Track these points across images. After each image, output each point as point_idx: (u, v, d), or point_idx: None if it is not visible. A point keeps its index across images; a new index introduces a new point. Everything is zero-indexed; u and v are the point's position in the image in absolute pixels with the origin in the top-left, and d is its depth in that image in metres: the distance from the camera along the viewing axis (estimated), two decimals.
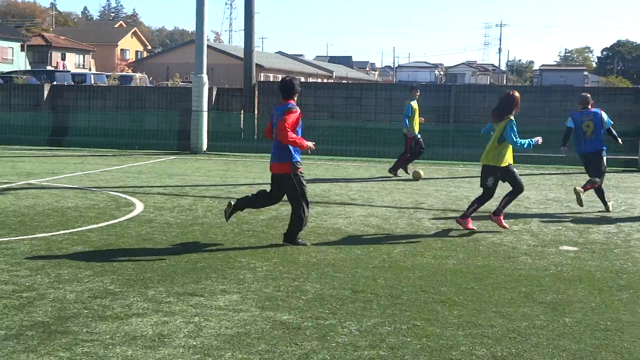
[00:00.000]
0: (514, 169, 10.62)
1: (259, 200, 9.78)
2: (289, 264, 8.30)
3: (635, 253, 9.25)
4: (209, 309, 6.52)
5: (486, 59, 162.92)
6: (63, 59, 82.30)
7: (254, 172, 18.05)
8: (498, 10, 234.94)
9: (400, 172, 17.62)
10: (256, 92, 26.08)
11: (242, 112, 25.74)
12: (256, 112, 25.83)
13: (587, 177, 12.82)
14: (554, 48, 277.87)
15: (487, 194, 10.63)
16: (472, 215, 10.62)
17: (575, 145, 13.10)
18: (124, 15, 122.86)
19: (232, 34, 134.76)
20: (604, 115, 12.85)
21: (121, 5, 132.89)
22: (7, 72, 53.54)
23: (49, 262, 8.16)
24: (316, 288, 7.29)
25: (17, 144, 24.34)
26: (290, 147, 9.18)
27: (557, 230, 10.73)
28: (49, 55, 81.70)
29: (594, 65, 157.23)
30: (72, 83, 44.69)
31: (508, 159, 10.44)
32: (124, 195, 13.38)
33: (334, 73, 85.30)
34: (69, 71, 59.12)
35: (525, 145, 10.38)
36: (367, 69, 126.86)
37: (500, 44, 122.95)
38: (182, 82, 50.92)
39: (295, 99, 9.58)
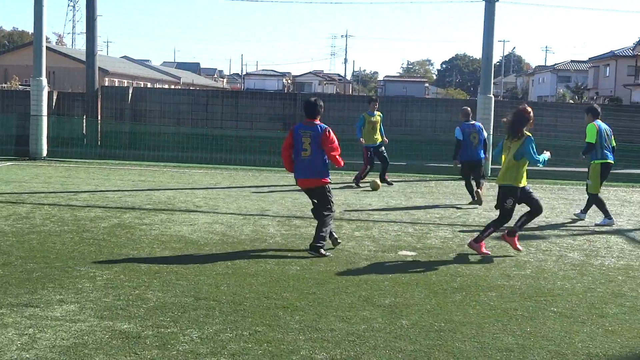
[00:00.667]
0: (529, 188, 10.28)
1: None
2: (130, 272, 8.14)
3: (468, 257, 9.69)
4: (44, 320, 6.30)
5: (333, 68, 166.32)
6: None
7: (96, 178, 17.57)
8: (343, 21, 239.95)
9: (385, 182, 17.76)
10: (99, 97, 25.44)
11: (84, 117, 25.02)
12: (99, 118, 25.19)
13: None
14: (397, 60, 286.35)
15: (506, 216, 10.04)
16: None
17: (461, 153, 15.03)
18: None
19: (76, 36, 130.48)
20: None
21: None
22: None
23: None
24: (158, 296, 7.19)
25: None
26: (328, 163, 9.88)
27: (397, 236, 11.07)
28: None
29: (434, 77, 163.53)
30: None
31: (525, 177, 10.11)
32: None
33: (181, 79, 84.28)
34: None
35: (543, 163, 10.22)
36: (215, 76, 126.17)
37: (345, 55, 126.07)
38: (21, 85, 48.84)
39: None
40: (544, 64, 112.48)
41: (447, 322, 6.69)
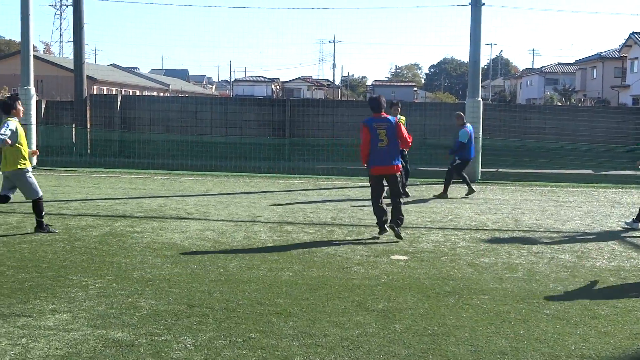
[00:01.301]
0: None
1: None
2: (122, 281, 8.12)
3: (460, 260, 9.72)
4: (37, 330, 6.28)
5: (321, 74, 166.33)
6: None
7: (86, 187, 17.53)
8: (331, 26, 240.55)
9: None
10: (88, 105, 25.40)
11: (73, 125, 24.97)
12: (89, 126, 25.14)
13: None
14: (385, 64, 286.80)
15: None
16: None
17: (464, 153, 16.97)
18: None
19: (63, 45, 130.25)
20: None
21: None
22: None
23: None
24: (151, 304, 7.18)
25: None
26: None
27: (389, 241, 11.08)
28: None
29: (423, 81, 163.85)
30: None
31: None
32: None
33: (170, 86, 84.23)
34: None
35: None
36: (204, 82, 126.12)
37: (334, 60, 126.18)
38: (11, 94, 48.64)
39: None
40: (531, 67, 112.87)
41: (440, 326, 6.71)
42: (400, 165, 11.37)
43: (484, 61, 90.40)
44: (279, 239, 11.04)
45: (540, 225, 13.01)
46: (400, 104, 17.01)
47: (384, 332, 6.47)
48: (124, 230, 11.41)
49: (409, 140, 11.41)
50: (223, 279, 8.34)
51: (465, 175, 17.32)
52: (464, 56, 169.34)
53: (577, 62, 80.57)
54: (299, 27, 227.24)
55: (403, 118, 16.46)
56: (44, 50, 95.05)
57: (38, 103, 23.83)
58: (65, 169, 22.26)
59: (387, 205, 11.54)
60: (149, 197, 15.74)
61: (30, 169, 11.00)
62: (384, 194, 11.63)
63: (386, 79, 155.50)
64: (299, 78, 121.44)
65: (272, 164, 23.00)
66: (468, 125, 17.36)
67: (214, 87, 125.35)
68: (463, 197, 16.96)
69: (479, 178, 20.91)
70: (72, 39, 27.05)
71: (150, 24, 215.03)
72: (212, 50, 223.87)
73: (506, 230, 12.41)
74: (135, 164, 23.12)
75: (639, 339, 6.50)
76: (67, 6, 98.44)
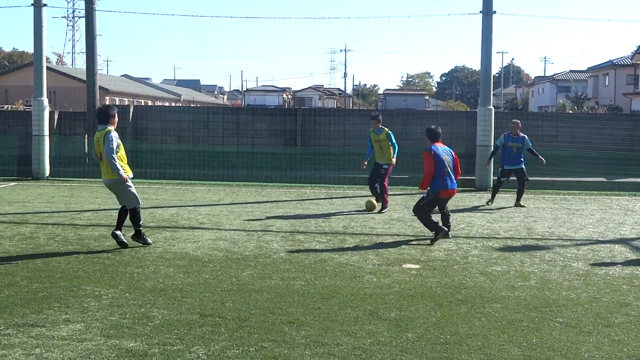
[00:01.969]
0: None
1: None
2: (135, 291, 8.15)
3: (472, 269, 9.70)
4: (51, 340, 6.31)
5: (332, 83, 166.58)
6: None
7: (99, 197, 17.60)
8: (342, 36, 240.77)
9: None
10: None
11: (86, 136, 25.10)
12: None
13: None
14: (397, 73, 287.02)
15: None
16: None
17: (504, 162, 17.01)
18: None
19: (75, 55, 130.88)
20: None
21: None
22: None
23: None
24: (163, 314, 7.20)
25: None
26: None
27: (401, 249, 11.08)
28: None
29: (434, 89, 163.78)
30: None
31: None
32: None
33: (182, 97, 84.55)
34: None
35: None
36: (216, 92, 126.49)
37: (345, 69, 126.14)
38: (25, 106, 48.94)
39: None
40: (543, 75, 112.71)
41: (452, 335, 6.70)
42: None
43: (495, 69, 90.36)
44: (291, 248, 11.05)
45: (553, 233, 12.97)
46: (381, 117, 16.19)
47: (396, 341, 6.47)
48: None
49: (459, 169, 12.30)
50: (235, 288, 8.36)
51: (498, 185, 17.50)
52: (475, 64, 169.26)
53: (589, 69, 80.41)
54: (310, 36, 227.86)
55: (386, 129, 15.78)
56: (56, 62, 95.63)
57: (51, 114, 23.95)
58: (78, 179, 22.35)
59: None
60: (162, 207, 15.79)
61: (131, 175, 10.89)
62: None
63: (398, 87, 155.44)
64: (310, 87, 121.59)
65: (283, 174, 23.03)
66: (523, 135, 17.19)
67: (225, 96, 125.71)
68: (483, 206, 16.93)
69: (491, 186, 20.86)
70: (84, 50, 27.22)
71: (162, 35, 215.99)
72: (224, 60, 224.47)
73: (518, 238, 12.38)
74: (147, 174, 23.17)
75: None
76: (80, 17, 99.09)
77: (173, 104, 71.72)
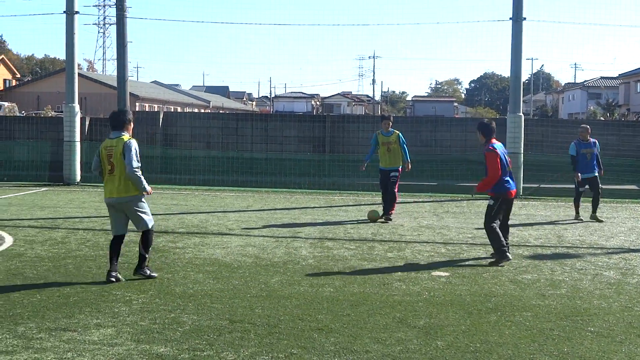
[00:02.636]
0: None
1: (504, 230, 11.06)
2: (165, 296, 8.20)
3: (502, 277, 9.64)
4: (82, 344, 6.36)
5: (361, 89, 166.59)
6: None
7: None
8: (371, 42, 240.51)
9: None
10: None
11: None
12: None
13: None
14: (425, 80, 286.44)
15: None
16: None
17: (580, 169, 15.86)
18: None
19: (106, 62, 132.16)
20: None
21: None
22: None
23: None
24: (193, 319, 7.24)
25: None
26: None
27: (430, 257, 11.04)
28: None
29: (463, 96, 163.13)
30: None
31: None
32: None
33: (211, 103, 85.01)
34: None
35: None
36: (244, 99, 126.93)
37: (373, 75, 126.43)
38: (55, 112, 49.45)
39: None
40: (573, 81, 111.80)
41: (482, 343, 6.66)
42: None
43: (525, 76, 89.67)
44: (320, 254, 11.06)
45: (584, 241, 12.85)
46: (392, 118, 15.96)
47: (425, 349, 6.44)
48: (166, 246, 11.52)
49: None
50: (264, 294, 8.38)
51: (578, 197, 16.05)
52: (504, 71, 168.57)
53: (620, 76, 79.62)
54: (338, 43, 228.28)
55: (397, 132, 15.35)
56: (87, 68, 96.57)
57: (82, 120, 24.18)
58: None
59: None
60: (191, 213, 15.88)
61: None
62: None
63: (426, 94, 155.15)
64: (338, 94, 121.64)
65: (312, 180, 23.05)
66: (593, 140, 16.30)
67: (254, 103, 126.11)
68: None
69: (521, 194, 20.72)
70: (114, 56, 27.46)
71: (192, 41, 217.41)
72: (252, 67, 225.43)
73: (549, 246, 12.28)
74: (176, 180, 23.34)
75: None
76: (110, 24, 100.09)
77: (202, 111, 72.11)
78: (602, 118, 63.31)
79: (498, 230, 10.64)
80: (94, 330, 6.80)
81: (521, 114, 21.47)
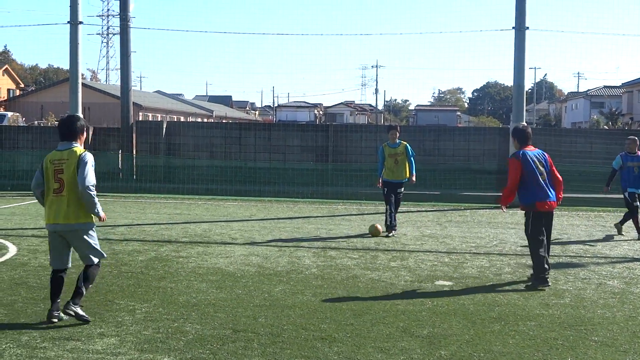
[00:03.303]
0: None
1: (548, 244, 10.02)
2: (168, 305, 8.20)
3: (506, 286, 9.63)
4: (86, 353, 6.37)
5: (364, 99, 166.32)
6: None
7: (132, 212, 17.75)
8: (374, 52, 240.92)
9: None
10: (134, 132, 25.77)
11: (120, 151, 25.35)
12: (134, 152, 25.49)
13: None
14: (428, 89, 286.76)
15: None
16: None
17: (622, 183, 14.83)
18: None
19: (109, 72, 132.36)
20: None
21: None
22: None
23: None
24: (196, 329, 7.24)
25: None
26: None
27: (433, 266, 11.03)
28: None
29: (466, 105, 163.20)
30: None
31: None
32: None
33: (214, 112, 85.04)
34: None
35: None
36: (247, 108, 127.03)
37: (376, 85, 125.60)
38: (57, 121, 49.56)
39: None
40: (576, 90, 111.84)
41: (486, 353, 6.65)
42: None
43: (528, 85, 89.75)
44: (323, 264, 11.05)
45: (587, 250, 12.84)
46: (399, 128, 15.19)
47: (429, 358, 6.44)
48: (169, 255, 11.52)
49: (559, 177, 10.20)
50: (268, 304, 8.38)
51: (635, 211, 14.57)
52: (507, 80, 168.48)
53: (624, 85, 79.58)
54: (341, 52, 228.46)
55: (404, 143, 14.60)
56: (90, 78, 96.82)
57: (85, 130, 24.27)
58: (112, 194, 22.55)
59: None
60: (194, 223, 15.88)
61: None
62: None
63: (429, 103, 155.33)
64: (341, 103, 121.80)
65: (315, 189, 23.06)
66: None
67: (257, 112, 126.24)
68: (510, 223, 16.82)
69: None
70: (118, 66, 27.54)
71: (195, 51, 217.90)
72: (255, 76, 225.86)
73: (552, 255, 12.24)
74: (180, 190, 23.35)
75: None
76: (114, 34, 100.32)
77: (205, 120, 72.15)
78: (605, 127, 63.29)
79: (542, 253, 9.71)
80: (98, 340, 6.80)
81: (524, 123, 21.45)
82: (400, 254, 12.17)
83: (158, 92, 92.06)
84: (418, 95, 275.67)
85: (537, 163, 9.97)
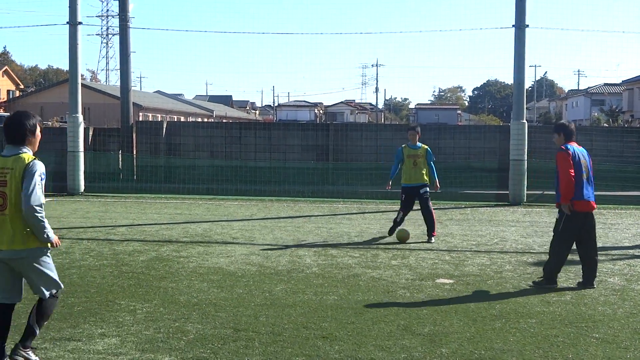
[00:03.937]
0: None
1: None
2: (169, 305, 8.20)
3: (507, 284, 9.63)
4: (87, 354, 6.37)
5: (364, 98, 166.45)
6: None
7: (133, 212, 17.75)
8: (374, 50, 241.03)
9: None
10: (134, 132, 25.77)
11: (120, 152, 25.35)
12: (135, 152, 25.49)
13: None
14: (428, 87, 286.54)
15: None
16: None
17: None
18: None
19: (109, 72, 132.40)
20: None
21: None
22: None
23: None
24: (197, 328, 7.24)
25: None
26: None
27: (434, 264, 11.03)
28: None
29: (466, 103, 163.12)
30: None
31: None
32: None
33: (214, 112, 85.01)
34: None
35: None
36: (248, 108, 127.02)
37: (376, 83, 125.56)
38: (60, 122, 49.56)
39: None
40: (576, 88, 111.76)
41: (487, 350, 6.65)
42: None
43: (528, 83, 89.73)
44: (324, 263, 11.05)
45: None
46: (419, 129, 14.15)
47: (430, 356, 6.44)
48: (170, 255, 11.53)
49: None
50: (269, 303, 8.38)
51: None
52: (508, 78, 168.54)
53: (624, 82, 79.55)
54: (341, 51, 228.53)
55: (425, 147, 13.79)
56: (90, 78, 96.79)
57: (85, 130, 24.24)
58: (112, 194, 22.56)
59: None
60: (195, 222, 15.88)
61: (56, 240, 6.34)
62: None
63: (429, 102, 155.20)
64: (341, 102, 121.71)
65: (316, 188, 23.06)
66: None
67: (257, 112, 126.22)
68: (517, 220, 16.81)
69: (525, 201, 20.71)
70: (118, 67, 27.55)
71: (194, 51, 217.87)
72: (255, 76, 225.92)
73: None
74: (180, 190, 23.35)
75: None
76: (113, 35, 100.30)
77: (205, 120, 72.16)
78: (605, 125, 63.27)
79: (564, 255, 9.52)
80: (99, 340, 6.80)
81: (525, 121, 21.45)
82: (401, 252, 12.17)
83: (158, 92, 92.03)
84: (418, 93, 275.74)
85: (582, 160, 9.52)
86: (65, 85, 27.47)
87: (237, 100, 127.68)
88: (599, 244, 13.07)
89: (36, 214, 5.87)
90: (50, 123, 48.36)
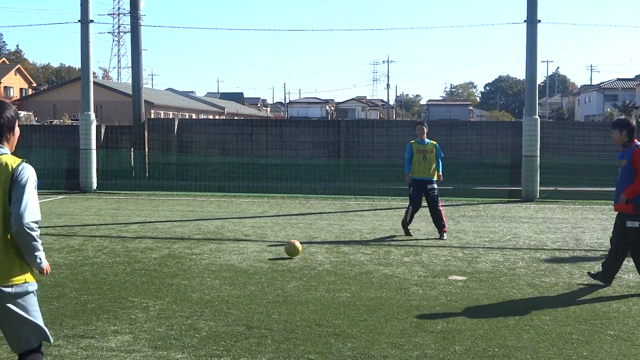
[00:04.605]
0: None
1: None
2: (182, 302, 8.20)
3: (520, 281, 9.58)
4: (100, 351, 6.38)
5: (375, 94, 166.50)
6: None
7: (145, 210, 17.78)
8: (385, 47, 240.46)
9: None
10: (146, 130, 25.82)
11: (132, 149, 25.40)
12: (147, 150, 25.53)
13: None
14: (440, 83, 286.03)
15: None
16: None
17: None
18: (6, 51, 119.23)
19: (121, 70, 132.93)
20: None
21: (4, 42, 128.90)
22: None
23: None
24: (210, 325, 7.24)
25: None
26: None
27: (447, 261, 10.99)
28: None
29: (478, 100, 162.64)
30: None
31: None
32: None
33: (225, 109, 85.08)
34: None
35: None
36: (259, 105, 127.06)
37: (388, 80, 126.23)
38: (72, 120, 49.76)
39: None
40: (589, 83, 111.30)
41: (500, 347, 6.61)
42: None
43: (540, 78, 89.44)
44: (336, 259, 11.03)
45: (602, 244, 12.76)
46: (426, 123, 14.29)
47: (443, 354, 6.41)
48: (182, 253, 11.53)
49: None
50: (281, 300, 8.37)
51: None
52: (519, 74, 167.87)
53: (637, 77, 79.25)
54: (352, 48, 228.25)
55: (434, 142, 13.85)
56: (102, 76, 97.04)
57: (98, 128, 24.30)
58: (125, 192, 22.62)
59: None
60: (207, 220, 15.89)
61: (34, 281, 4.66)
62: None
63: (441, 98, 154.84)
64: (353, 99, 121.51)
65: (327, 185, 23.04)
66: None
67: (268, 109, 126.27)
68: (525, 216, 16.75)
69: (538, 197, 20.64)
70: (129, 64, 27.62)
71: (206, 49, 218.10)
72: (267, 73, 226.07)
73: (567, 249, 12.21)
74: (192, 187, 23.39)
75: None
76: (125, 33, 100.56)
77: (217, 117, 72.25)
78: None
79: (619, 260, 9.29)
80: (112, 337, 6.81)
81: (537, 116, 21.37)
82: (414, 249, 12.14)
83: (169, 89, 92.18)
84: (430, 89, 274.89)
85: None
86: (78, 83, 27.54)
87: (248, 98, 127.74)
88: None
89: (32, 233, 4.36)
90: (62, 120, 48.55)
